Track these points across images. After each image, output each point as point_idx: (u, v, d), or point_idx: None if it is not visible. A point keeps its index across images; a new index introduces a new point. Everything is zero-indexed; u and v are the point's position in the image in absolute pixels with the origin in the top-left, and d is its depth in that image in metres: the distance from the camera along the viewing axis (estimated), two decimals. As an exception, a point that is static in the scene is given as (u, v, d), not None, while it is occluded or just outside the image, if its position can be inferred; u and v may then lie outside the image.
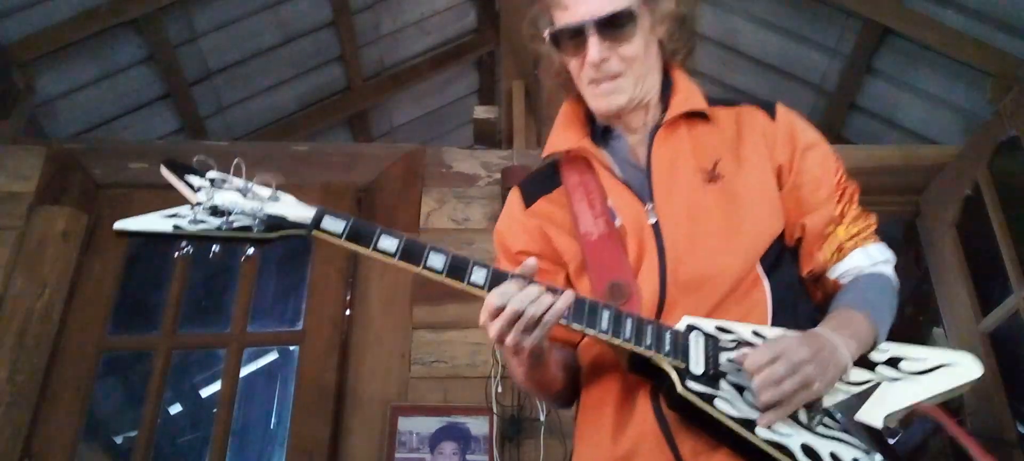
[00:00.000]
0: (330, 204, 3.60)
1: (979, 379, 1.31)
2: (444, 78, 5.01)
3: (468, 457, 2.80)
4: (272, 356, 5.08)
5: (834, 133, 4.04)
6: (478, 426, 2.80)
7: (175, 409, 5.15)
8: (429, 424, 2.83)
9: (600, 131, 1.48)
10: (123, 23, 3.70)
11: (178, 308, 3.11)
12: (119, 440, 4.73)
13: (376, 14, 4.43)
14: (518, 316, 1.17)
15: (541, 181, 1.51)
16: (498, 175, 3.31)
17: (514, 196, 1.53)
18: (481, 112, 3.71)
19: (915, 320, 4.95)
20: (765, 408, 1.18)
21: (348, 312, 3.08)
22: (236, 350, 3.09)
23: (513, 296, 1.17)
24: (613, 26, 1.36)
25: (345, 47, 4.43)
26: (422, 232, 3.20)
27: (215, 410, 3.09)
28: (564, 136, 1.48)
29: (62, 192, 3.23)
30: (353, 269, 3.13)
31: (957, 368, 1.31)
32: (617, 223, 1.37)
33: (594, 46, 1.36)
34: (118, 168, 3.36)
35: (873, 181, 3.28)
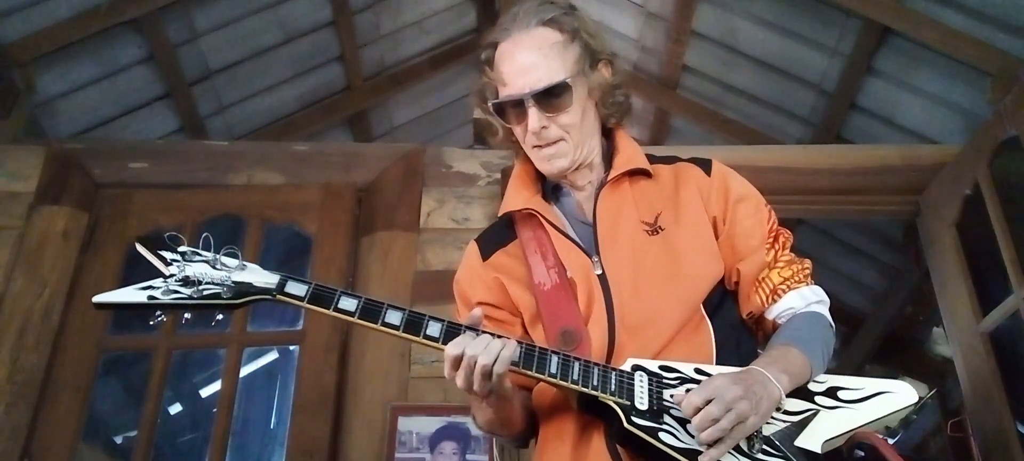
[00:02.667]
0: (330, 204, 3.62)
1: (917, 402, 1.42)
2: (444, 78, 5.01)
3: (468, 457, 2.81)
4: (272, 356, 5.08)
5: (834, 133, 4.04)
6: (478, 426, 2.80)
7: (175, 409, 5.15)
8: (429, 424, 2.83)
9: (551, 188, 1.62)
10: (123, 23, 3.69)
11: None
12: (119, 440, 4.73)
13: (376, 14, 4.43)
14: (473, 364, 1.27)
15: (498, 235, 1.63)
16: (498, 175, 3.31)
17: (472, 249, 1.64)
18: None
19: (915, 320, 4.96)
20: (706, 446, 1.27)
21: (348, 312, 3.07)
22: (236, 350, 3.09)
23: (467, 346, 1.28)
24: (550, 97, 1.48)
25: (345, 47, 4.43)
26: (422, 231, 3.21)
27: (215, 410, 3.09)
28: (517, 195, 1.60)
29: (62, 192, 3.23)
30: (353, 268, 3.13)
31: (894, 395, 1.42)
32: (568, 274, 1.48)
33: (534, 116, 1.49)
34: (118, 168, 3.36)
35: (873, 181, 3.30)
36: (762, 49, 4.06)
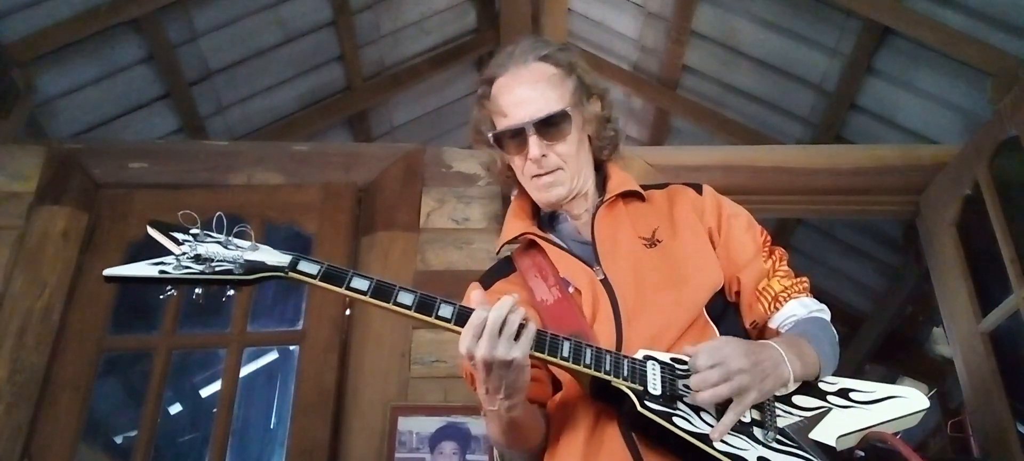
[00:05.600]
0: (330, 204, 3.63)
1: (926, 410, 1.44)
2: (444, 78, 5.01)
3: (468, 457, 2.81)
4: (272, 356, 5.08)
5: (834, 133, 4.04)
6: (478, 426, 2.80)
7: (175, 409, 5.15)
8: (429, 424, 2.83)
9: (547, 218, 1.65)
10: (123, 23, 3.69)
11: (178, 308, 3.11)
12: (119, 440, 4.73)
13: (376, 14, 4.43)
14: (502, 324, 1.25)
15: (497, 271, 1.66)
16: (498, 175, 3.30)
17: (474, 286, 1.62)
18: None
19: (915, 320, 4.96)
20: (701, 404, 1.29)
21: (348, 312, 3.08)
22: (236, 350, 3.09)
23: (491, 311, 1.26)
24: (549, 126, 1.54)
25: (345, 47, 4.43)
26: (422, 231, 3.21)
27: (215, 410, 3.09)
28: (513, 226, 1.64)
29: (62, 192, 3.23)
30: (353, 269, 3.12)
31: (906, 400, 1.44)
32: (570, 289, 1.51)
33: (534, 144, 1.53)
34: (118, 168, 3.36)
35: (873, 181, 3.30)
36: (762, 49, 4.06)
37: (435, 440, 2.82)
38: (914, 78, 3.63)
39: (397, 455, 2.78)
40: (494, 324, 1.25)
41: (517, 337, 1.26)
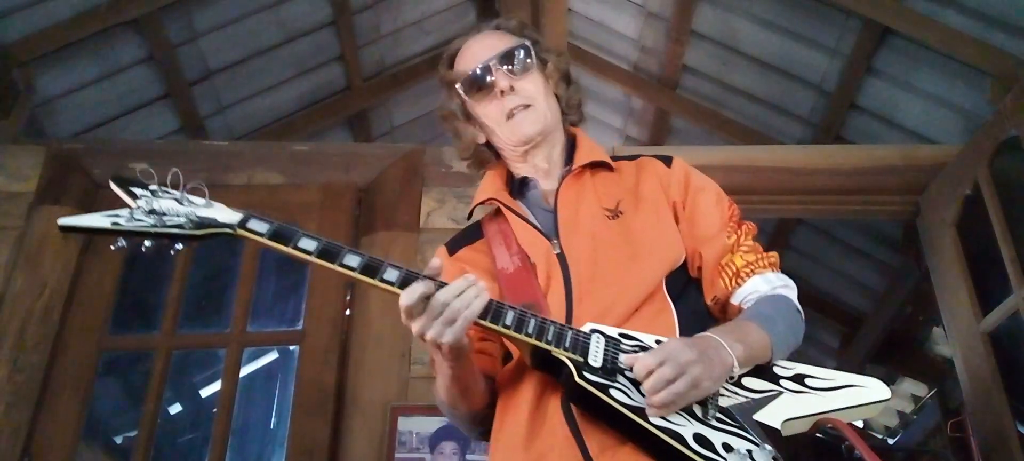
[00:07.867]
0: (330, 204, 3.62)
1: (886, 401, 1.40)
2: (444, 78, 5.00)
3: (468, 457, 2.81)
4: (272, 356, 5.07)
5: (834, 133, 4.04)
6: (478, 426, 2.79)
7: (175, 409, 5.15)
8: (429, 424, 2.83)
9: (517, 186, 1.68)
10: (123, 23, 3.69)
11: (178, 308, 3.11)
12: (119, 440, 4.73)
13: (376, 14, 4.43)
14: (442, 309, 1.28)
15: (465, 236, 1.72)
16: (498, 175, 3.30)
17: (440, 249, 1.72)
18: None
19: (915, 320, 4.96)
20: (659, 405, 1.26)
21: (348, 312, 3.08)
22: (236, 350, 3.09)
23: (438, 292, 1.29)
24: (512, 60, 1.61)
25: (345, 47, 4.43)
26: (422, 231, 3.21)
27: (215, 410, 3.09)
28: (484, 192, 1.69)
29: (62, 192, 3.23)
30: (353, 269, 3.13)
31: (863, 389, 1.40)
32: (531, 260, 1.53)
33: (501, 77, 1.60)
34: (118, 168, 3.31)
35: (873, 181, 3.30)
36: (762, 49, 4.06)
37: (435, 440, 2.82)
38: (914, 78, 3.63)
39: (397, 455, 2.78)
40: (437, 307, 1.29)
41: (458, 317, 1.29)
